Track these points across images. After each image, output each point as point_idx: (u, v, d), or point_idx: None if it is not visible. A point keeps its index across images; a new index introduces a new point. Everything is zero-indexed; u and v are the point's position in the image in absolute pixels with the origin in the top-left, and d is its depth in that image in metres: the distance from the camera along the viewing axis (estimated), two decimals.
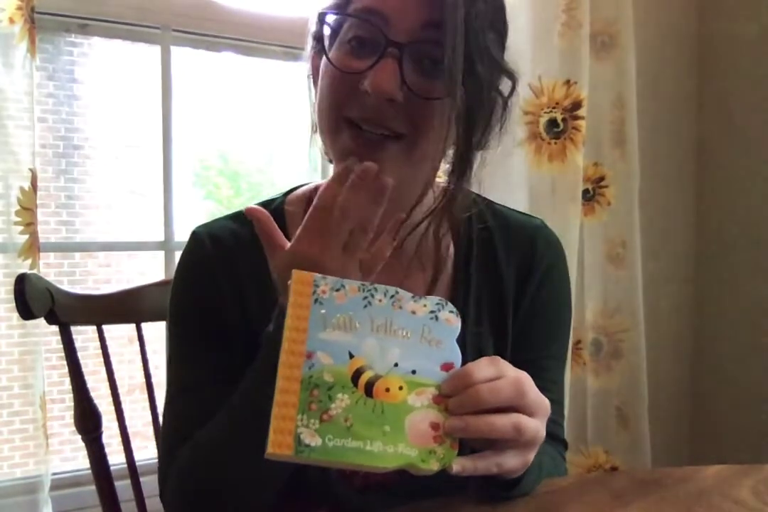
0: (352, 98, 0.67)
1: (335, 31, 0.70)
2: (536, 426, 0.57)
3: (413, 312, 0.56)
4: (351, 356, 0.53)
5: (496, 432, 0.55)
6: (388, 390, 0.53)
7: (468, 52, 0.64)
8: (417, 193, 0.81)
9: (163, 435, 0.80)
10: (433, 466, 0.52)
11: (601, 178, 1.79)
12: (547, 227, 0.86)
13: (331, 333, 0.54)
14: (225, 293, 0.77)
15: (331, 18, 0.71)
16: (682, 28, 2.10)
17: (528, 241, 0.83)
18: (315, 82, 0.75)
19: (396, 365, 0.54)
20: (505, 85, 0.72)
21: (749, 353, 2.00)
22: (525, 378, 0.58)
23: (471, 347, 0.78)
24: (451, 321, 0.57)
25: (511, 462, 0.57)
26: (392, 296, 0.56)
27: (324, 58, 0.70)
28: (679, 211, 2.13)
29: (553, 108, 1.68)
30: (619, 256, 1.81)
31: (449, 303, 0.57)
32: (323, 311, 0.54)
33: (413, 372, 0.54)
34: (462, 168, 0.69)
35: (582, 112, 1.68)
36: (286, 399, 0.51)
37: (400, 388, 0.53)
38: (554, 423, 0.82)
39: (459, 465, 0.54)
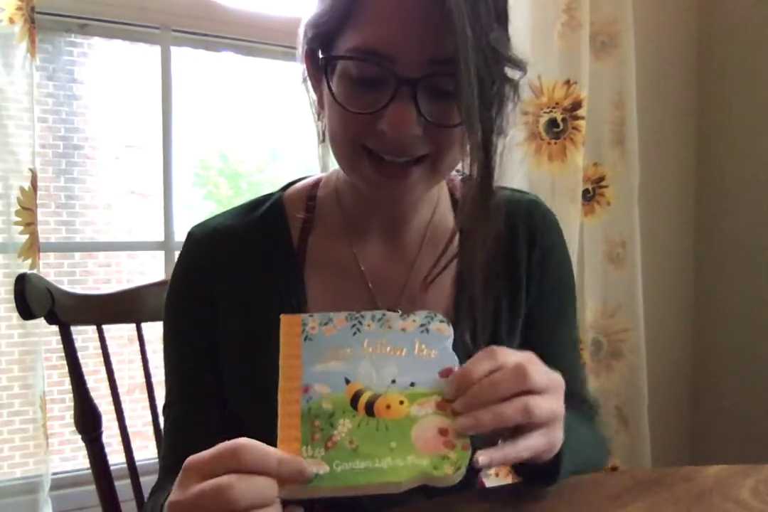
0: (369, 133, 0.65)
1: (333, 63, 0.66)
2: (549, 405, 0.56)
3: (403, 330, 0.57)
4: (347, 382, 0.54)
5: (506, 420, 0.53)
6: (388, 407, 0.53)
7: (481, 76, 0.61)
8: (435, 191, 0.80)
9: (163, 436, 0.80)
10: (448, 471, 0.51)
11: (601, 178, 1.79)
12: (540, 199, 0.85)
13: (325, 364, 0.54)
14: (219, 296, 0.76)
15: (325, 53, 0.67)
16: (681, 28, 2.10)
17: (526, 215, 0.82)
18: (314, 87, 0.73)
19: (393, 381, 0.54)
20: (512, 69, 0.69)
21: (749, 353, 2.00)
22: (526, 360, 0.57)
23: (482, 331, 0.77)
24: (443, 330, 0.57)
25: (539, 442, 0.56)
26: (380, 319, 0.57)
27: (326, 89, 0.66)
28: (679, 211, 2.13)
29: (553, 108, 1.68)
30: (619, 256, 1.81)
31: (438, 314, 0.58)
32: (314, 346, 0.55)
33: (412, 384, 0.54)
34: (488, 170, 0.66)
35: (582, 112, 1.68)
36: (288, 435, 0.51)
37: (401, 403, 0.53)
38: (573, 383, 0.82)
39: (486, 457, 0.52)
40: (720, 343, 2.09)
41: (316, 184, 0.82)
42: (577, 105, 1.67)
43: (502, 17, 0.66)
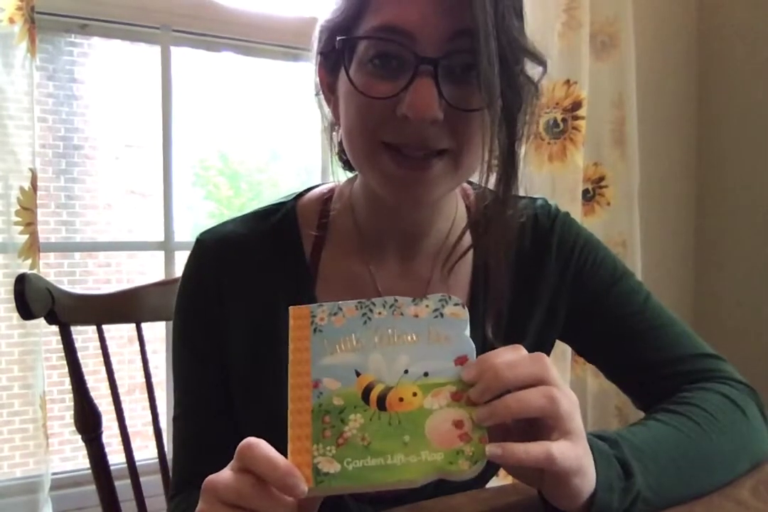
0: (388, 123, 0.62)
1: (351, 49, 0.64)
2: (571, 405, 0.50)
3: (416, 316, 0.54)
4: (358, 374, 0.52)
5: (528, 406, 0.49)
6: (401, 399, 0.51)
7: (501, 54, 0.59)
8: (455, 201, 0.78)
9: (173, 448, 0.79)
10: (463, 466, 0.48)
11: (601, 178, 1.79)
12: (547, 204, 0.82)
13: (335, 357, 0.52)
14: (228, 307, 0.74)
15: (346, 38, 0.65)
16: (681, 28, 2.10)
17: (533, 221, 0.79)
18: (327, 99, 0.71)
19: (406, 372, 0.52)
20: (531, 66, 0.67)
21: (749, 354, 2.00)
22: (546, 356, 0.53)
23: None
24: (458, 314, 0.54)
25: (567, 449, 0.49)
26: (392, 305, 0.54)
27: (345, 79, 0.64)
28: (679, 211, 2.13)
29: (553, 108, 1.68)
30: (619, 256, 1.81)
31: (453, 297, 0.55)
32: (323, 338, 0.53)
33: (425, 374, 0.52)
34: (510, 172, 0.65)
35: (582, 111, 1.68)
36: (299, 433, 0.50)
37: (414, 395, 0.51)
38: (694, 358, 0.79)
39: (499, 448, 0.47)
40: (720, 343, 2.08)
41: (329, 198, 0.79)
42: (577, 105, 1.67)
43: (519, 13, 0.65)
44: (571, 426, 0.50)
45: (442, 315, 0.54)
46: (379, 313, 0.54)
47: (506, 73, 0.60)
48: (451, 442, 0.49)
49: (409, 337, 0.53)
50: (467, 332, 0.53)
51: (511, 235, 0.72)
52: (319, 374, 0.52)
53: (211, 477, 0.50)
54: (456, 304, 0.54)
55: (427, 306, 0.54)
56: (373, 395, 0.51)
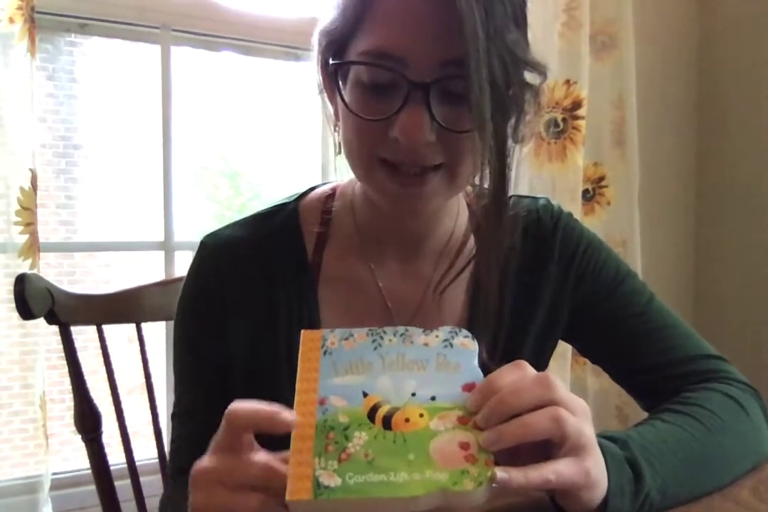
0: (383, 142, 0.63)
1: (344, 71, 0.65)
2: (578, 422, 0.50)
3: (426, 345, 0.55)
4: (365, 395, 0.52)
5: (534, 430, 0.49)
6: (407, 420, 0.51)
7: (494, 78, 0.58)
8: (455, 206, 0.78)
9: (169, 445, 0.79)
10: (468, 486, 0.48)
11: (601, 178, 1.79)
12: (550, 203, 0.82)
13: (343, 378, 0.53)
14: (230, 309, 0.75)
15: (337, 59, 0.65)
16: (681, 28, 2.10)
17: (535, 222, 0.79)
18: (330, 99, 0.71)
19: (413, 395, 0.52)
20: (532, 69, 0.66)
21: (748, 354, 2.00)
22: (551, 375, 0.53)
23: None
24: (468, 345, 0.55)
25: (569, 468, 0.50)
26: (402, 334, 0.56)
27: (339, 99, 0.65)
28: (679, 211, 2.13)
29: (553, 108, 1.68)
30: (619, 256, 1.81)
31: (463, 330, 0.56)
32: (333, 360, 0.54)
33: (432, 398, 0.52)
34: (502, 178, 0.65)
35: (582, 111, 1.68)
36: (301, 446, 0.50)
37: (421, 416, 0.51)
38: (697, 359, 0.79)
39: (505, 473, 0.47)
40: (719, 344, 2.08)
41: (331, 196, 0.80)
42: (577, 105, 1.68)
43: (519, 20, 0.64)
44: (579, 443, 0.50)
45: (451, 345, 0.56)
46: (390, 341, 0.56)
47: (498, 94, 0.60)
48: (456, 463, 0.49)
49: (417, 364, 0.54)
50: (476, 362, 0.54)
51: (507, 239, 0.71)
52: (327, 392, 0.53)
53: (200, 462, 0.51)
54: (466, 336, 0.56)
55: (437, 336, 0.56)
56: (379, 414, 0.51)
